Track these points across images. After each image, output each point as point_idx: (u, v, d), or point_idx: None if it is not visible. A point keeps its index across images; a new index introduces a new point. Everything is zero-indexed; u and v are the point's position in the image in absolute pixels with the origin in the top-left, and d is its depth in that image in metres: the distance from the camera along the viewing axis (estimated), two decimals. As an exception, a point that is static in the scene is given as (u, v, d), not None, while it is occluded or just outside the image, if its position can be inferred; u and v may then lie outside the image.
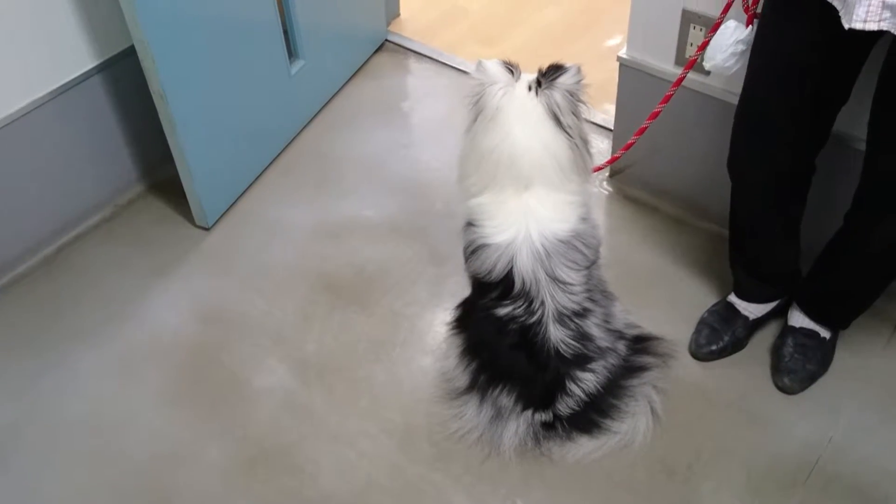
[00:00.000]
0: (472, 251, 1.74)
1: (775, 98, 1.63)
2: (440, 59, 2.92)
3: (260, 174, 2.51)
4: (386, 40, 2.99)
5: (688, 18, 1.97)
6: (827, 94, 1.60)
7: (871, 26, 1.33)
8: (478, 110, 1.70)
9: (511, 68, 1.69)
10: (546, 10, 3.15)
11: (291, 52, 2.51)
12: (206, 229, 2.36)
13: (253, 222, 2.39)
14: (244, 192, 2.46)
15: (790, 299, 1.97)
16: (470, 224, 1.76)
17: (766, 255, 1.91)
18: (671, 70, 2.08)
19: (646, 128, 1.90)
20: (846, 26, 1.35)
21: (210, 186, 2.31)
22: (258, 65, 2.37)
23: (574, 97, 1.68)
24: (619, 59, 2.17)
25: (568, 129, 1.68)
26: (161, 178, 2.49)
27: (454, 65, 2.89)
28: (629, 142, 1.94)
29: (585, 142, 1.74)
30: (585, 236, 1.73)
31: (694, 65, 1.83)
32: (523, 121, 1.66)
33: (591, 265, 1.75)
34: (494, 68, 1.68)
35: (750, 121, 1.71)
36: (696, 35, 1.98)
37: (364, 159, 2.56)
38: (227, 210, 2.41)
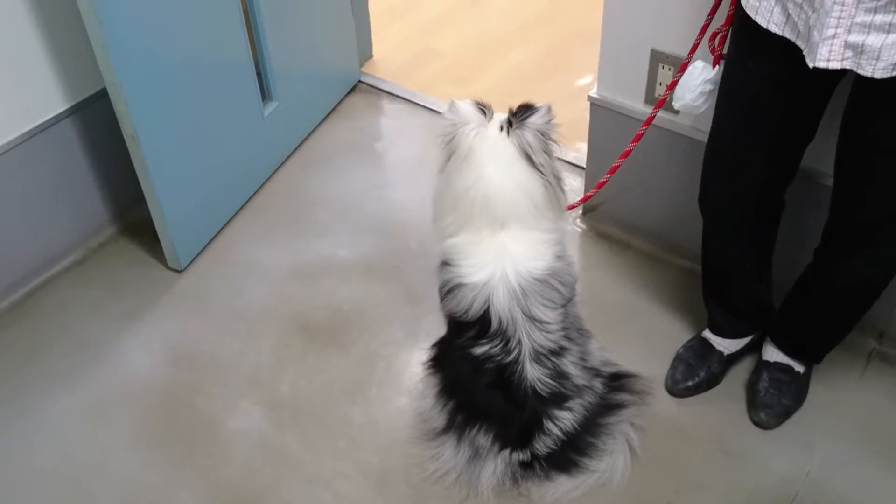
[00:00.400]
0: (448, 291, 1.74)
1: (743, 137, 1.66)
2: (413, 99, 2.94)
3: (233, 215, 2.50)
4: (359, 81, 3.01)
5: (656, 58, 2.01)
6: (793, 132, 1.63)
7: (835, 65, 1.36)
8: (451, 150, 1.71)
9: (483, 108, 1.71)
10: (516, 50, 3.19)
11: (265, 94, 2.52)
12: (179, 271, 2.34)
13: (227, 264, 2.37)
14: (218, 233, 2.45)
15: (764, 334, 1.99)
16: (445, 264, 1.76)
17: (738, 290, 1.93)
18: (641, 109, 2.11)
19: (618, 166, 1.93)
20: (811, 65, 1.38)
21: (183, 228, 2.30)
22: (231, 106, 2.38)
23: (545, 136, 1.70)
24: (589, 98, 2.20)
25: (540, 168, 1.70)
26: (133, 221, 2.47)
27: (427, 105, 2.91)
28: (602, 180, 1.96)
29: (558, 180, 1.76)
30: (561, 274, 1.74)
31: (663, 104, 1.86)
32: (496, 160, 1.68)
33: (568, 303, 1.75)
34: (467, 108, 1.70)
35: (719, 159, 1.73)
36: (664, 74, 2.02)
37: (338, 199, 2.56)
38: (201, 252, 2.40)
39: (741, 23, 1.54)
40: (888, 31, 1.30)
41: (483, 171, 1.67)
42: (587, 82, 2.99)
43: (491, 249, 1.71)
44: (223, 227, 2.47)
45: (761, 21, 1.46)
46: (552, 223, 1.76)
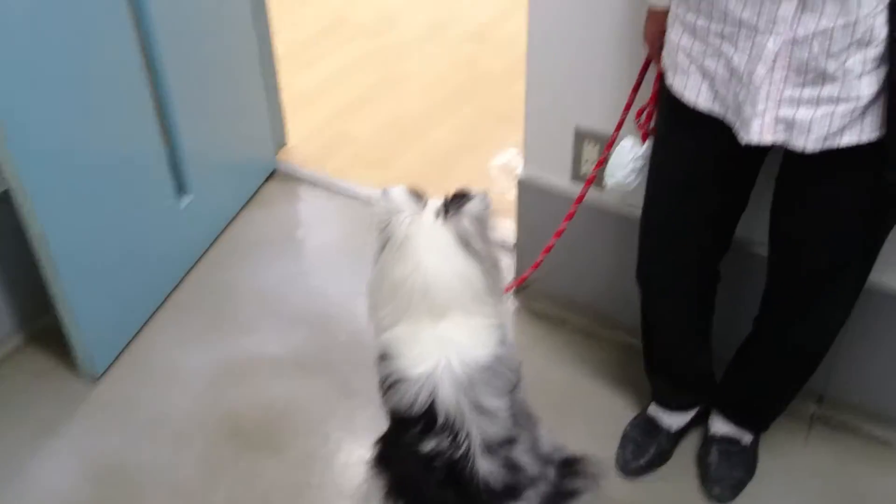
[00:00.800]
0: (390, 386, 1.66)
1: (677, 211, 1.66)
2: (331, 185, 2.89)
3: (152, 315, 2.37)
4: (275, 169, 2.94)
5: (581, 136, 2.02)
6: (727, 203, 1.64)
7: (767, 140, 1.38)
8: (385, 239, 1.66)
9: (417, 195, 1.67)
10: (432, 131, 3.18)
11: (180, 187, 2.43)
12: (96, 380, 2.19)
13: (147, 368, 2.23)
14: (136, 335, 2.31)
15: (709, 406, 1.97)
16: (385, 357, 1.68)
17: (680, 361, 1.91)
18: (569, 186, 2.11)
19: (552, 246, 1.91)
20: (743, 141, 1.40)
21: (98, 333, 2.16)
22: (146, 201, 2.28)
23: (482, 223, 1.67)
24: (516, 177, 2.19)
25: (478, 255, 1.66)
26: (41, 328, 2.31)
27: (346, 190, 2.86)
28: (537, 260, 1.93)
29: (496, 264, 1.72)
30: (506, 359, 1.68)
31: (593, 181, 1.86)
32: (433, 249, 1.63)
33: (514, 389, 1.70)
34: (400, 196, 1.65)
35: (654, 234, 1.73)
36: (590, 151, 2.03)
37: (262, 291, 2.46)
38: (118, 356, 2.25)
39: (669, 99, 1.55)
40: (817, 105, 1.33)
41: (420, 259, 1.62)
42: (505, 161, 3.00)
43: (433, 339, 1.64)
44: (142, 328, 2.33)
45: (689, 98, 1.48)
46: (493, 308, 1.71)
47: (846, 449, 1.97)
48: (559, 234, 1.89)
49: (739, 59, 1.37)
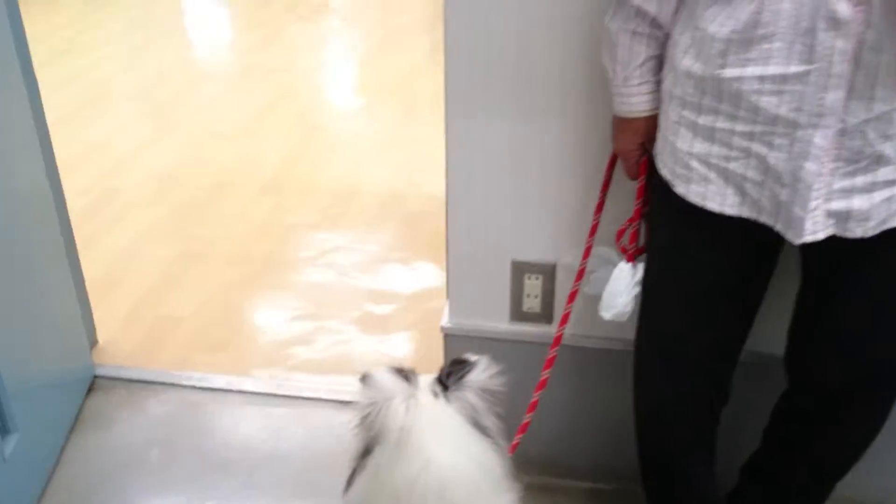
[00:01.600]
0: None
1: (693, 331, 1.48)
2: (170, 381, 2.39)
3: None
4: (95, 375, 2.37)
5: (520, 269, 1.79)
6: (746, 311, 1.48)
7: (820, 236, 1.26)
8: (372, 438, 1.32)
9: (406, 374, 1.34)
10: (263, 300, 2.78)
11: (2, 426, 1.83)
12: None
13: None
14: None
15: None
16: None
17: (687, 494, 1.69)
18: (507, 328, 1.86)
19: (536, 401, 1.63)
20: (796, 242, 1.26)
21: None
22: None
23: (489, 393, 1.37)
24: (442, 328, 1.90)
25: (489, 432, 1.36)
26: None
27: (191, 384, 2.37)
28: (525, 422, 1.64)
29: (503, 438, 1.43)
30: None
31: (567, 318, 1.63)
32: (443, 437, 1.31)
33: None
34: (386, 379, 1.32)
35: (665, 357, 1.54)
36: (532, 286, 1.80)
37: (135, 538, 1.91)
38: None
39: (678, 212, 1.37)
40: (871, 191, 1.22)
41: (430, 453, 1.29)
42: (370, 309, 2.68)
43: (458, 551, 1.29)
44: None
45: (713, 206, 1.32)
46: (507, 490, 1.41)
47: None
48: (542, 385, 1.62)
49: (776, 159, 1.23)
